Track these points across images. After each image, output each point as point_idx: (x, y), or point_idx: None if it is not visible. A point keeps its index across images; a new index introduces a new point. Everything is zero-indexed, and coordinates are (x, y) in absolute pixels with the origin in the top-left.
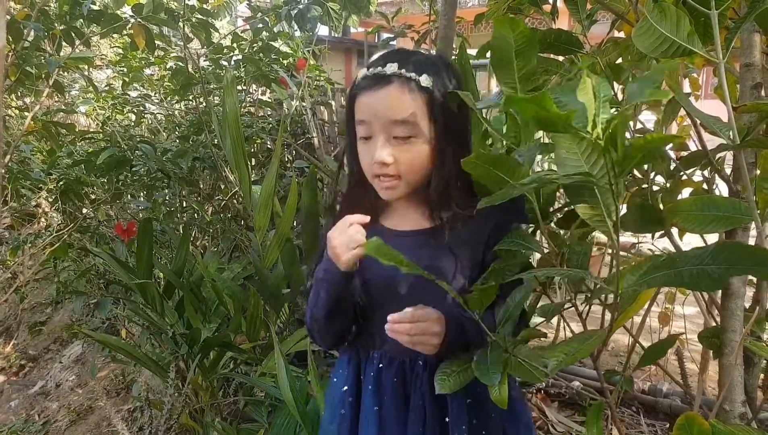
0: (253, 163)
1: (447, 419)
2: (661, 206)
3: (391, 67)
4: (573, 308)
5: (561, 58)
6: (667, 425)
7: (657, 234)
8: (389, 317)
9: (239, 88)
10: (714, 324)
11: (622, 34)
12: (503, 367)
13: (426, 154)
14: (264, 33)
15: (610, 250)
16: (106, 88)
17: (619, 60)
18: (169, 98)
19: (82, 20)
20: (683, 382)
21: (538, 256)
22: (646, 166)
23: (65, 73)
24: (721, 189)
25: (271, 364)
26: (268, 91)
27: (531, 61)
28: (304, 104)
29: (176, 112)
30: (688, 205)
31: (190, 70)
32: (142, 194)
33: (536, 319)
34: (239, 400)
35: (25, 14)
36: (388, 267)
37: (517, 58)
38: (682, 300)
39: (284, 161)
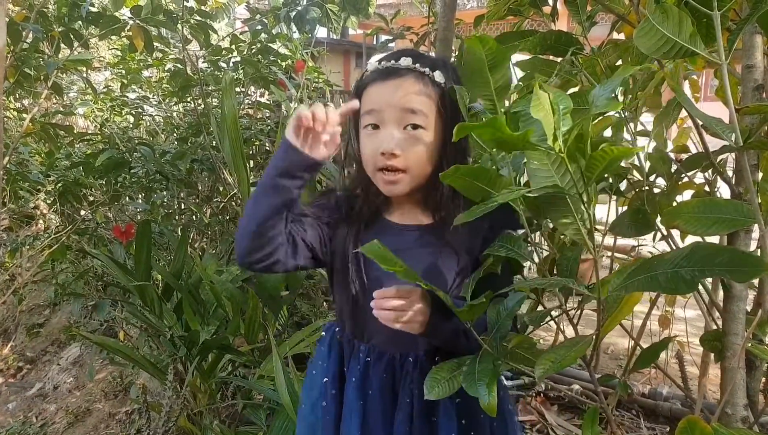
0: (251, 165)
1: (434, 419)
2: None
3: (406, 61)
4: (576, 306)
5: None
6: (668, 429)
7: (658, 236)
8: (375, 293)
9: (238, 89)
10: (715, 327)
11: (621, 36)
12: (491, 377)
13: (432, 148)
14: (263, 35)
15: (609, 253)
16: (105, 90)
17: (619, 62)
18: (167, 100)
19: (80, 22)
20: (684, 386)
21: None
22: (646, 169)
23: (64, 75)
24: (722, 192)
25: (269, 366)
26: (267, 92)
27: (505, 73)
28: (302, 106)
29: (175, 114)
30: (690, 207)
31: (188, 71)
32: (140, 196)
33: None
34: (237, 403)
35: (24, 16)
36: None
37: (492, 72)
38: (683, 303)
39: None
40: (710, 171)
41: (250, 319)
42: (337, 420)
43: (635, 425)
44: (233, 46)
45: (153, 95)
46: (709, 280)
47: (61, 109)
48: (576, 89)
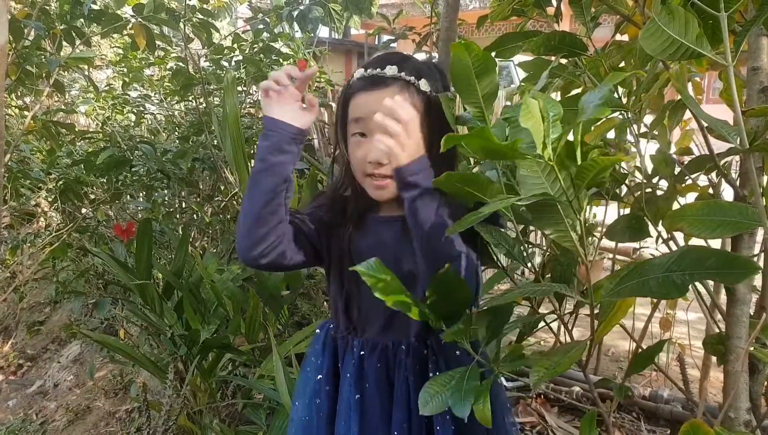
0: (252, 165)
1: None
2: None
3: (391, 70)
4: (571, 311)
5: (564, 61)
6: (668, 431)
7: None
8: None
9: (240, 89)
10: (717, 330)
11: (625, 38)
12: (481, 393)
13: (419, 156)
14: (265, 34)
15: (610, 255)
16: (106, 88)
17: (622, 64)
18: (169, 99)
19: (82, 20)
20: (685, 388)
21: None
22: (648, 171)
23: (65, 73)
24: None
25: (269, 366)
26: None
27: (493, 79)
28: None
29: (176, 113)
30: (694, 210)
31: (190, 70)
32: (141, 195)
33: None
34: (238, 402)
35: (26, 13)
36: (373, 256)
37: (479, 78)
38: (685, 305)
39: None
40: (714, 173)
41: (250, 319)
42: (330, 418)
43: (636, 428)
44: (235, 45)
45: (155, 94)
46: (711, 282)
47: (63, 107)
48: (579, 90)
